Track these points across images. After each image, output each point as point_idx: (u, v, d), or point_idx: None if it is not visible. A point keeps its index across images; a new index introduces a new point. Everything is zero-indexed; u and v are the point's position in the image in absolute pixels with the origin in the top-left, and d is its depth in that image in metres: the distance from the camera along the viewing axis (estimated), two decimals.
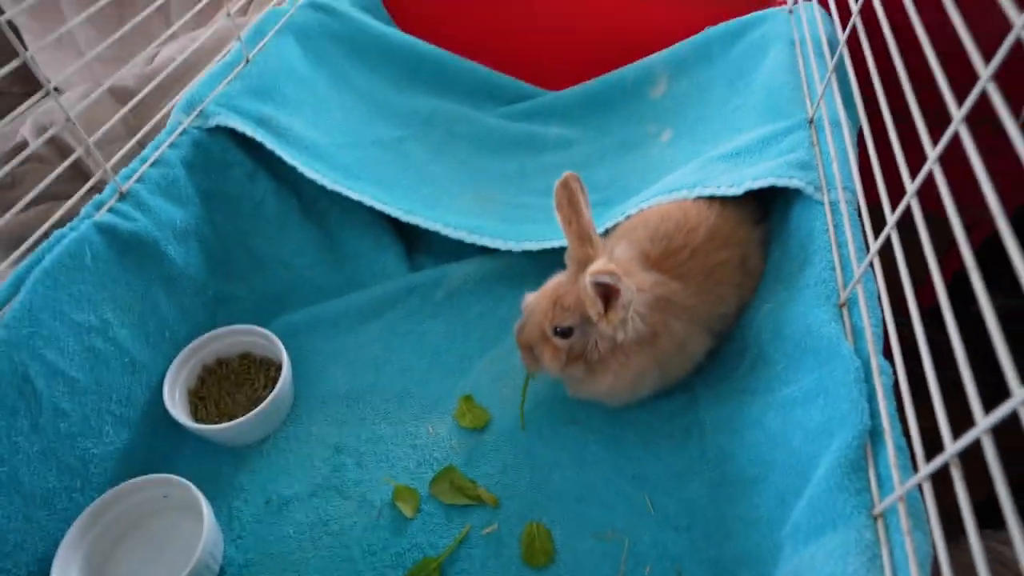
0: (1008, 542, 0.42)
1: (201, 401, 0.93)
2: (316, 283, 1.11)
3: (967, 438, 0.44)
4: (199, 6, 1.02)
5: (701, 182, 0.92)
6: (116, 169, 0.90)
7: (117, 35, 0.83)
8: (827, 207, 0.82)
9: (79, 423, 0.80)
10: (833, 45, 1.00)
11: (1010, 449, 0.41)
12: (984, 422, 0.43)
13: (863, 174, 0.79)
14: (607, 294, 0.76)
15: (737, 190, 0.87)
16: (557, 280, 0.84)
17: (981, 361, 0.44)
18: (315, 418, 0.95)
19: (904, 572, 0.51)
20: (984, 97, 0.48)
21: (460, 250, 1.16)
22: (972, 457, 0.44)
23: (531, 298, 0.85)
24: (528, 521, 0.82)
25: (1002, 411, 0.41)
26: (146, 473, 0.81)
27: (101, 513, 0.78)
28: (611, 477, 0.87)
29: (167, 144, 0.96)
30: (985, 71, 0.50)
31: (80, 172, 1.23)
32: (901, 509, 0.54)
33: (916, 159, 0.59)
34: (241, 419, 0.86)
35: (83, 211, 0.85)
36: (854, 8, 0.79)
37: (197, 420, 0.90)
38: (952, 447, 0.46)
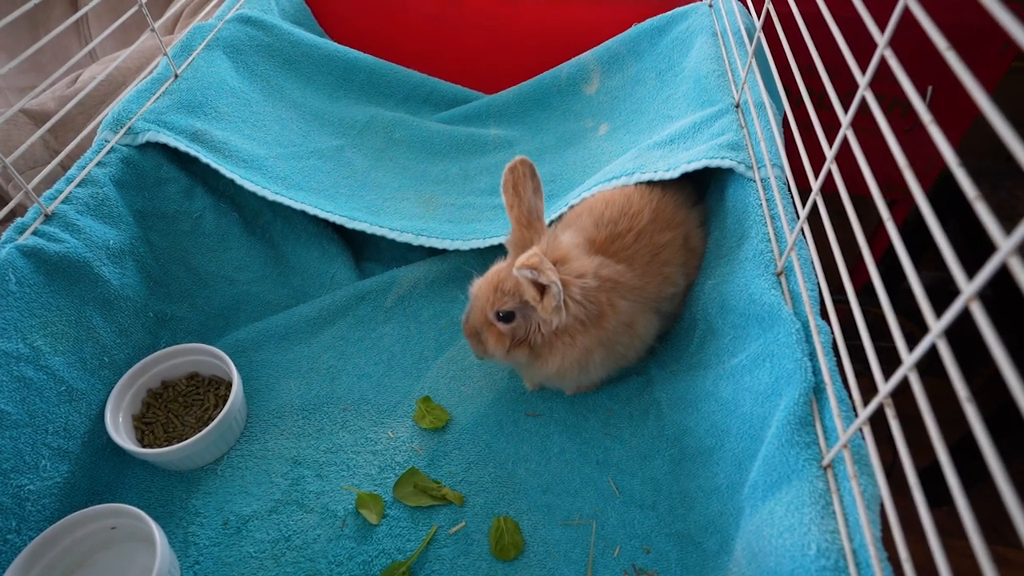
0: None
1: (148, 427, 0.89)
2: (263, 298, 1.08)
3: (896, 376, 0.47)
4: (120, 21, 0.99)
5: (639, 168, 0.94)
6: (39, 192, 0.86)
7: (26, 54, 0.79)
8: (758, 184, 0.85)
9: (11, 458, 0.75)
10: (751, 33, 1.05)
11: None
12: (909, 359, 0.46)
13: (791, 161, 0.84)
14: (540, 281, 0.77)
15: (674, 173, 0.90)
16: (499, 266, 0.85)
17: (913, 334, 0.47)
18: (271, 433, 0.92)
19: (854, 515, 0.54)
20: (896, 88, 0.51)
21: (408, 254, 1.16)
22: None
23: (477, 284, 0.85)
24: (495, 516, 0.82)
25: (924, 345, 0.43)
26: (92, 506, 0.77)
27: (41, 553, 0.73)
28: (576, 465, 0.87)
29: (94, 163, 0.93)
30: (882, 38, 0.54)
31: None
32: (847, 456, 0.57)
33: (834, 140, 0.63)
34: (190, 440, 0.83)
35: (4, 235, 0.81)
36: None
37: (144, 446, 0.86)
38: (885, 387, 0.49)
